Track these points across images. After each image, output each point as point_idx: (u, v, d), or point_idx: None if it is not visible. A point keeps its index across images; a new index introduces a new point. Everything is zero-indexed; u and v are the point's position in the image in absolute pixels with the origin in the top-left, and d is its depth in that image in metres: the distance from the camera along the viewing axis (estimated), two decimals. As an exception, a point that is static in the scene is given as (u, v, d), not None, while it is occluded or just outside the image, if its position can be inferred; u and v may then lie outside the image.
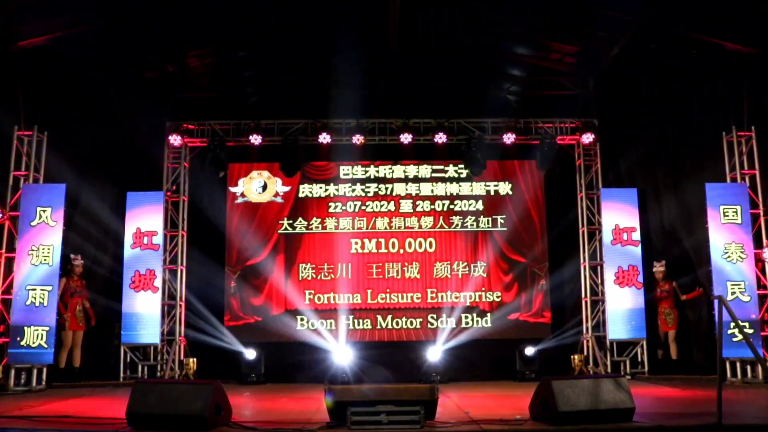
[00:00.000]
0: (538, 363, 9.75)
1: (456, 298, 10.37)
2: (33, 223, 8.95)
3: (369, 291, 10.41)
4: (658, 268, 9.87)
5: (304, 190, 10.65)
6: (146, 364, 9.79)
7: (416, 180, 10.70)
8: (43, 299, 8.75)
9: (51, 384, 8.80)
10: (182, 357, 9.86)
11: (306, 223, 10.57)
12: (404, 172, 10.73)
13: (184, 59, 10.14)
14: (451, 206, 10.61)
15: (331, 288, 10.40)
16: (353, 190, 10.66)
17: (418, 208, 10.62)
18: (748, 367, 8.93)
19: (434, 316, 10.35)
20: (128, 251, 9.84)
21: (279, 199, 10.59)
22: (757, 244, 9.25)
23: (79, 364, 9.29)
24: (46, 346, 8.64)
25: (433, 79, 10.55)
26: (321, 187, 10.66)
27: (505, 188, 10.66)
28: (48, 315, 8.72)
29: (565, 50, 10.12)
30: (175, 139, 10.11)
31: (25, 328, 8.65)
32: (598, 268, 10.19)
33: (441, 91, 10.62)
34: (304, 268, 10.46)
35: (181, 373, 9.67)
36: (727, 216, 9.24)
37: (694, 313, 9.85)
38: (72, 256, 9.34)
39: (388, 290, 10.41)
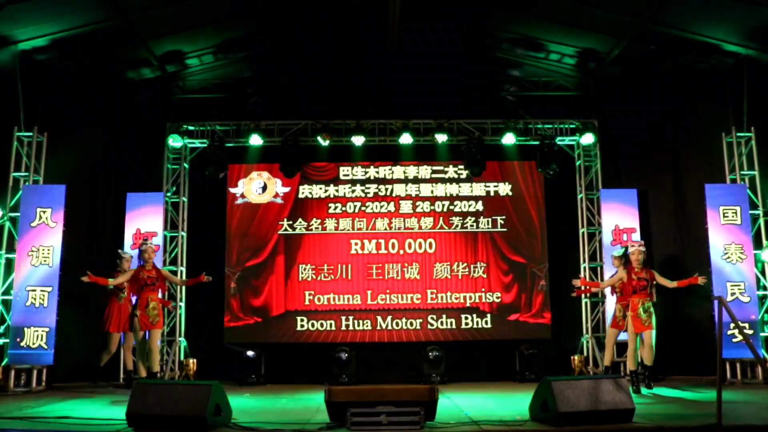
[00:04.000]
0: (538, 364, 9.75)
1: (456, 298, 10.37)
2: (33, 224, 8.96)
3: (369, 292, 10.40)
4: (637, 248, 7.89)
5: (304, 190, 10.65)
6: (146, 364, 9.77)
7: (416, 181, 10.70)
8: (43, 300, 8.76)
9: (51, 385, 8.81)
10: (182, 358, 9.85)
11: (306, 223, 10.57)
12: (404, 172, 10.73)
13: (184, 59, 10.16)
14: (451, 207, 10.62)
15: (331, 289, 10.40)
16: (353, 191, 10.66)
17: (418, 209, 10.62)
18: (748, 368, 8.94)
19: (434, 316, 10.35)
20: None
21: (279, 200, 10.59)
22: (757, 244, 9.26)
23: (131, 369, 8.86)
24: (46, 347, 8.65)
25: (433, 80, 10.55)
26: (321, 188, 10.66)
27: (505, 189, 10.67)
28: (48, 316, 8.73)
29: (565, 51, 10.13)
30: (175, 140, 10.10)
31: (25, 329, 8.66)
32: (598, 268, 10.19)
33: (441, 92, 10.61)
34: (304, 269, 10.47)
35: (181, 373, 9.68)
36: (727, 217, 9.25)
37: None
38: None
39: (388, 291, 10.41)
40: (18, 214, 9.02)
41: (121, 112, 10.18)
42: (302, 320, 10.31)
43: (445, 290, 10.39)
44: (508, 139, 10.19)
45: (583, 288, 9.43)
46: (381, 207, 10.62)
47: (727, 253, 9.15)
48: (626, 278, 7.85)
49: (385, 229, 10.56)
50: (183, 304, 10.11)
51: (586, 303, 10.18)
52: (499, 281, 10.44)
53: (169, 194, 10.26)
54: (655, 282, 7.84)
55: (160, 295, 8.20)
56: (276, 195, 10.59)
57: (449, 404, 6.87)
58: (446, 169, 10.72)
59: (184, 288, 10.11)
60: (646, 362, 7.80)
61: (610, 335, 8.71)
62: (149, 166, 10.25)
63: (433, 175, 10.72)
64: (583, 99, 10.63)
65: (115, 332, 9.02)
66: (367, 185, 10.67)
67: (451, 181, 10.69)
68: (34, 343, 8.64)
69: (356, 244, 10.52)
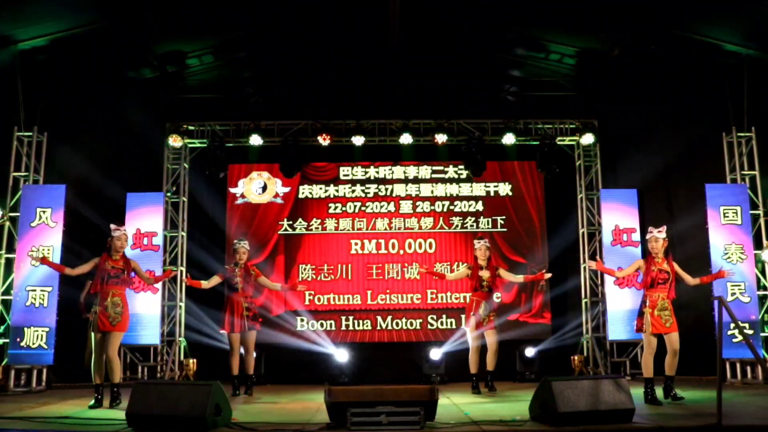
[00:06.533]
0: (538, 364, 9.75)
1: (456, 298, 10.36)
2: (33, 224, 8.97)
3: (369, 292, 10.40)
4: (654, 234, 6.85)
5: (304, 190, 10.65)
6: (146, 365, 9.78)
7: (416, 181, 10.71)
8: (43, 300, 8.76)
9: (51, 385, 8.81)
10: (182, 358, 9.85)
11: (306, 223, 10.57)
12: (404, 172, 10.73)
13: (184, 59, 10.16)
14: (451, 207, 10.62)
15: (330, 289, 10.40)
16: (353, 191, 10.66)
17: (418, 209, 10.62)
18: (748, 368, 8.94)
19: (434, 316, 10.35)
20: (128, 252, 9.71)
21: (279, 200, 10.59)
22: (757, 244, 9.26)
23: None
24: (46, 347, 8.65)
25: (433, 80, 10.55)
26: (321, 188, 10.67)
27: (505, 189, 10.67)
28: (48, 316, 8.74)
29: (565, 51, 10.12)
30: (175, 140, 10.10)
31: (25, 328, 8.66)
32: (598, 268, 10.18)
33: (441, 92, 10.62)
34: (304, 269, 10.47)
35: (181, 374, 9.68)
36: (727, 217, 9.26)
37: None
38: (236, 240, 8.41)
39: (388, 291, 10.41)
40: (18, 214, 9.03)
41: (121, 111, 10.18)
42: (302, 320, 10.31)
43: (445, 290, 10.39)
44: (508, 139, 10.19)
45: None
46: (381, 207, 10.62)
47: (727, 253, 9.15)
48: (645, 268, 6.78)
49: (385, 229, 10.56)
50: (183, 304, 10.11)
51: (586, 303, 10.18)
52: (499, 281, 10.40)
53: (169, 194, 10.26)
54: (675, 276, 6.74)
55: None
56: (276, 195, 10.59)
57: (449, 404, 6.86)
58: (446, 169, 10.72)
59: (183, 288, 10.10)
60: (667, 371, 6.59)
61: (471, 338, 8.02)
62: (149, 166, 10.25)
63: (433, 175, 10.72)
64: (583, 99, 10.62)
65: (234, 333, 7.89)
66: (367, 185, 10.67)
67: (451, 181, 10.70)
68: (34, 343, 8.64)
69: (356, 244, 10.52)
